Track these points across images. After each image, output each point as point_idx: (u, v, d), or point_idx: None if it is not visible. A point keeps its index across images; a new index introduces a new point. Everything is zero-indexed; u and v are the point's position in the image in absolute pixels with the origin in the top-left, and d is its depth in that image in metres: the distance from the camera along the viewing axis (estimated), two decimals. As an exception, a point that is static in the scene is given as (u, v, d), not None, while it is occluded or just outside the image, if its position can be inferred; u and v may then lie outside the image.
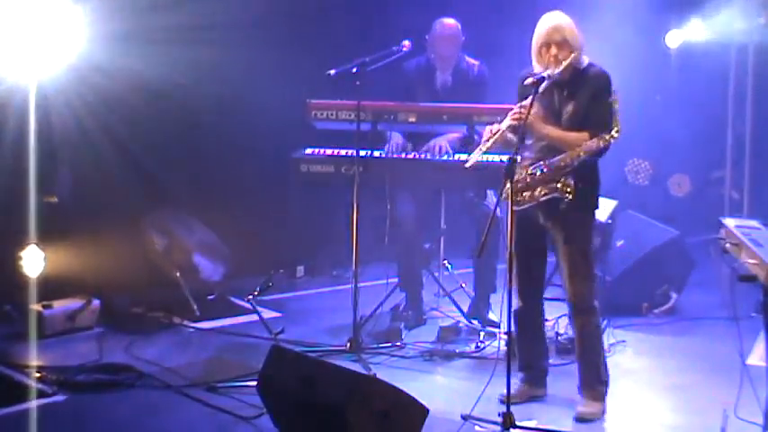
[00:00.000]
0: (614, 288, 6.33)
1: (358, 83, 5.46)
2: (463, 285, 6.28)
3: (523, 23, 5.00)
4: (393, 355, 5.57)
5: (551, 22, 4.64)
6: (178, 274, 6.43)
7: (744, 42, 8.07)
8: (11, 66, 5.62)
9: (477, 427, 4.48)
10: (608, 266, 6.36)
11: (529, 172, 4.65)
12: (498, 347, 5.10)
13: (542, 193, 4.59)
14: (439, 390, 5.08)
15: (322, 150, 5.91)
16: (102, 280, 6.18)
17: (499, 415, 4.38)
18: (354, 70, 5.46)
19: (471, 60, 6.14)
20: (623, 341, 5.87)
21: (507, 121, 4.63)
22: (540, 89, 4.54)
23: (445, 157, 5.80)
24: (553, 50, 4.60)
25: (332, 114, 5.80)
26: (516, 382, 4.82)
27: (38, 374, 5.06)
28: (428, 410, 4.08)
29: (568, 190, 4.49)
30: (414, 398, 4.06)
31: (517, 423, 4.37)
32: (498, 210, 4.64)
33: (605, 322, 5.42)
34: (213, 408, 4.71)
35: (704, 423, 4.54)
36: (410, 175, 5.84)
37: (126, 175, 6.31)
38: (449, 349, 5.68)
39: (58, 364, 5.23)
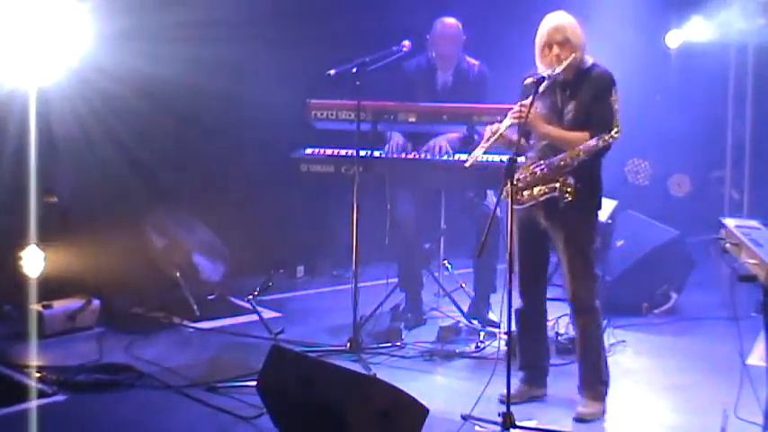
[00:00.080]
0: (614, 288, 6.33)
1: (358, 83, 5.46)
2: (463, 285, 6.28)
3: (523, 23, 5.00)
4: (393, 355, 5.57)
5: (553, 22, 4.65)
6: (178, 274, 6.43)
7: (744, 42, 8.08)
8: (12, 66, 5.63)
9: (477, 427, 4.48)
10: (608, 266, 6.37)
11: (530, 171, 4.65)
12: (498, 347, 5.11)
13: (542, 192, 4.59)
14: (439, 390, 5.08)
15: (322, 150, 5.91)
16: (102, 280, 6.18)
17: (499, 415, 4.38)
18: (354, 70, 5.45)
19: (472, 60, 6.14)
20: (623, 341, 5.87)
21: (508, 121, 4.64)
22: (540, 89, 4.54)
23: (445, 157, 5.80)
24: (555, 50, 4.60)
25: (332, 114, 5.80)
26: (516, 382, 4.82)
27: (38, 374, 5.06)
28: (428, 410, 4.08)
29: (568, 190, 4.49)
30: (414, 398, 4.06)
31: (517, 423, 4.37)
32: (498, 210, 4.65)
33: (605, 322, 5.41)
34: (213, 408, 4.71)
35: (704, 423, 4.53)
36: (410, 175, 5.84)
37: (126, 175, 6.32)
38: (449, 349, 5.68)
39: (58, 364, 5.23)
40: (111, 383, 5.02)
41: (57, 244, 5.99)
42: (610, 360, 4.92)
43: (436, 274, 6.23)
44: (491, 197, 5.85)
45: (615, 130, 4.45)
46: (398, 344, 5.71)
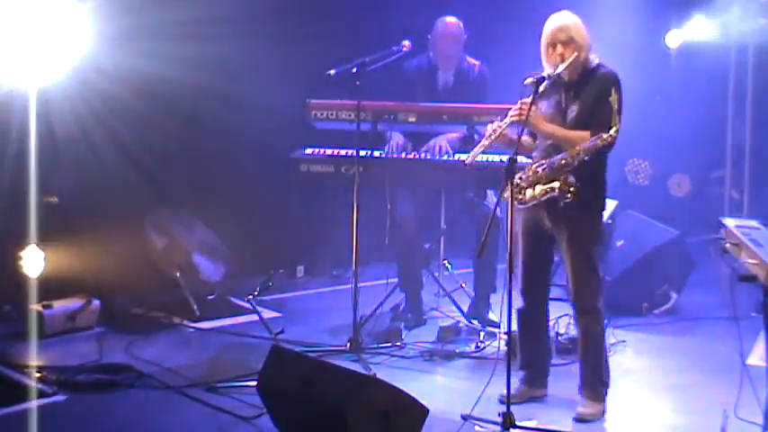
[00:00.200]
0: (614, 288, 6.33)
1: (358, 83, 5.46)
2: (463, 285, 6.28)
3: (523, 23, 5.01)
4: (393, 355, 5.57)
5: (557, 21, 4.65)
6: (178, 274, 6.43)
7: (744, 42, 8.09)
8: (12, 66, 5.63)
9: (477, 427, 4.48)
10: (608, 266, 6.36)
11: (533, 171, 4.65)
12: (498, 347, 5.11)
13: (543, 192, 4.59)
14: (439, 390, 5.08)
15: (322, 150, 5.91)
16: (102, 280, 6.18)
17: (499, 415, 4.38)
18: (354, 70, 5.46)
19: (472, 60, 6.14)
20: (623, 341, 5.87)
21: (508, 119, 4.64)
22: (540, 89, 4.54)
23: (445, 157, 5.80)
24: (559, 49, 4.60)
25: (332, 114, 5.80)
26: (516, 382, 4.81)
27: (38, 374, 5.06)
28: (428, 410, 4.08)
29: (570, 189, 4.48)
30: (414, 398, 4.06)
31: (517, 423, 4.37)
32: (498, 210, 4.65)
33: (605, 322, 5.41)
34: (213, 408, 4.71)
35: (704, 423, 4.53)
36: (410, 175, 5.84)
37: (126, 174, 6.31)
38: (449, 349, 5.68)
39: (58, 364, 5.23)
40: (111, 383, 5.01)
41: (57, 244, 5.99)
42: (610, 360, 4.92)
43: (436, 274, 6.23)
44: (491, 197, 5.85)
45: (614, 129, 4.44)
46: (398, 344, 5.70)
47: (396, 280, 6.09)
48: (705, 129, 8.47)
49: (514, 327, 4.75)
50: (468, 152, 4.92)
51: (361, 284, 5.61)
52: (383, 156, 5.83)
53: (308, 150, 5.92)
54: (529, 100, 4.54)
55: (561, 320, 5.61)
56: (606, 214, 6.06)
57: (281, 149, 6.10)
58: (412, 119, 5.82)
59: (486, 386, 4.56)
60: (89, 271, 6.15)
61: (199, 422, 4.60)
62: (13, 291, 5.88)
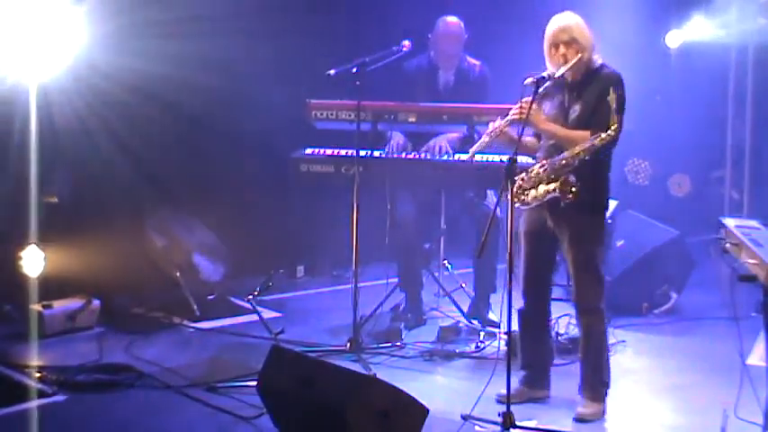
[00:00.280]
0: (614, 288, 6.30)
1: (358, 83, 5.46)
2: (463, 285, 6.28)
3: (524, 23, 5.01)
4: (393, 355, 5.57)
5: (559, 22, 4.65)
6: (178, 274, 6.43)
7: (744, 42, 8.09)
8: (12, 66, 5.62)
9: (477, 427, 4.48)
10: (608, 266, 6.34)
11: (535, 171, 4.65)
12: (498, 347, 5.11)
13: (545, 192, 4.59)
14: (439, 390, 5.08)
15: (322, 150, 5.91)
16: (102, 280, 6.18)
17: (499, 415, 4.39)
18: (354, 70, 5.46)
19: (472, 60, 6.15)
20: (623, 341, 5.87)
21: (509, 117, 4.65)
22: (541, 89, 4.55)
23: (445, 157, 5.80)
24: (562, 50, 4.61)
25: (332, 114, 5.80)
26: (516, 382, 4.81)
27: (38, 374, 5.06)
28: (428, 410, 4.08)
29: (572, 189, 4.48)
30: (414, 398, 4.06)
31: (517, 423, 4.37)
32: (498, 210, 4.65)
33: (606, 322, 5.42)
34: (213, 408, 4.71)
35: (704, 423, 4.53)
36: (410, 175, 5.84)
37: (126, 175, 6.31)
38: (449, 349, 5.68)
39: (58, 364, 5.23)
40: (111, 383, 5.02)
41: (57, 244, 5.99)
42: (610, 360, 4.92)
43: (436, 274, 6.23)
44: (491, 197, 5.85)
45: (612, 128, 4.43)
46: (398, 344, 5.70)
47: (396, 280, 6.09)
48: (705, 129, 8.47)
49: (515, 327, 4.75)
50: (468, 152, 4.93)
51: (361, 284, 5.61)
52: (383, 156, 5.84)
53: (308, 150, 5.92)
54: (529, 99, 4.54)
55: (561, 320, 5.61)
56: (606, 214, 6.07)
57: (281, 149, 6.10)
58: (412, 119, 5.82)
59: (487, 386, 4.57)
60: (89, 271, 6.15)
61: (199, 422, 4.60)
62: (13, 291, 5.88)
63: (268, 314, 6.38)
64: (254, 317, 6.29)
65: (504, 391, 4.45)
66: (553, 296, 5.07)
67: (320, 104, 5.81)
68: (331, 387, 4.04)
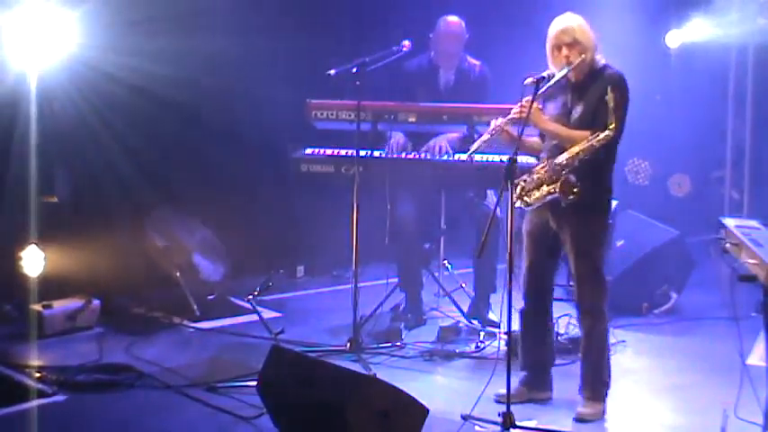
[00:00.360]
0: (614, 288, 6.24)
1: (358, 83, 5.47)
2: (463, 285, 6.28)
3: (524, 23, 5.02)
4: (393, 355, 5.57)
5: (561, 24, 4.65)
6: (178, 274, 6.43)
7: (744, 42, 8.09)
8: (11, 66, 5.62)
9: (477, 427, 4.48)
10: (608, 266, 6.34)
11: (537, 172, 4.65)
12: (498, 347, 5.11)
13: (546, 192, 4.58)
14: (439, 390, 5.08)
15: (322, 150, 5.91)
16: (102, 280, 6.18)
17: (499, 415, 4.39)
18: (354, 70, 5.46)
19: (473, 61, 6.15)
20: (623, 341, 5.87)
21: (510, 116, 4.65)
22: (541, 89, 4.55)
23: (445, 157, 5.80)
24: (564, 51, 4.60)
25: (332, 114, 5.81)
26: (516, 382, 4.81)
27: (38, 374, 5.06)
28: (428, 410, 4.08)
29: (573, 190, 4.47)
30: (414, 398, 4.06)
31: (517, 423, 4.38)
32: (498, 210, 4.65)
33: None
34: (213, 408, 4.71)
35: (704, 423, 4.53)
36: (410, 175, 5.84)
37: (126, 174, 6.31)
38: (449, 349, 5.68)
39: (58, 364, 5.23)
40: (111, 383, 5.02)
41: (57, 244, 5.99)
42: (610, 360, 4.91)
43: (436, 274, 6.23)
44: (491, 197, 5.86)
45: (610, 128, 4.42)
46: (398, 344, 5.70)
47: (396, 280, 6.09)
48: (705, 129, 8.47)
49: (515, 327, 4.75)
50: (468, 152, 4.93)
51: (361, 284, 5.61)
52: (383, 156, 5.84)
53: (308, 150, 5.92)
54: (529, 98, 4.54)
55: (561, 320, 5.60)
56: (609, 215, 6.07)
57: (282, 150, 6.09)
58: (412, 119, 5.82)
59: (487, 386, 4.57)
60: (89, 271, 6.15)
61: (199, 422, 4.60)
62: (13, 291, 5.88)
63: (268, 314, 6.38)
64: (254, 317, 6.29)
65: (502, 391, 4.46)
66: (554, 296, 5.07)
67: (320, 104, 5.82)
68: (331, 387, 4.03)
